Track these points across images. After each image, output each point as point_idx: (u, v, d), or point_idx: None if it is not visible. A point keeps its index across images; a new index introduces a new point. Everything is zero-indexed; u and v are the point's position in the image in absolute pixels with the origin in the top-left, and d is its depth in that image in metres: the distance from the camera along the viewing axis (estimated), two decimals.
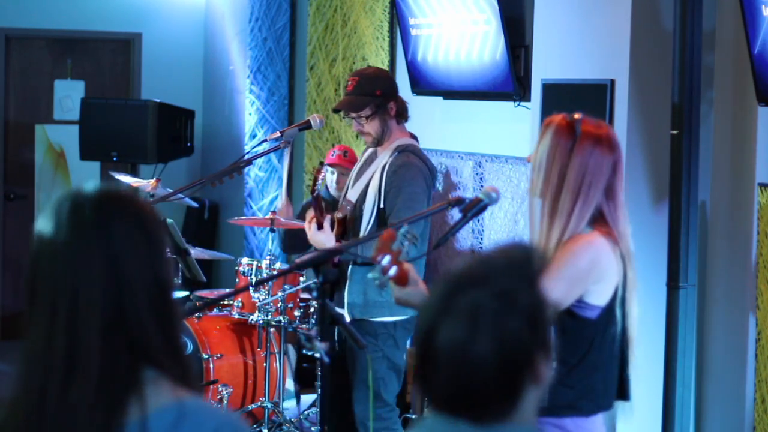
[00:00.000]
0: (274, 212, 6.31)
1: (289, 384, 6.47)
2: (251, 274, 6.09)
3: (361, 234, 4.92)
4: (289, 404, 6.43)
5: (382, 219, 4.93)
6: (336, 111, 5.17)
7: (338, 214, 5.09)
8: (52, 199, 1.77)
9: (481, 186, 6.15)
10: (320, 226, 4.87)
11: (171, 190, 5.65)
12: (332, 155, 6.35)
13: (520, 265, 1.78)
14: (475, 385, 1.73)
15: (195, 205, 6.74)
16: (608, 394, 3.29)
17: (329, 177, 6.32)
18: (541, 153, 3.25)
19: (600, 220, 3.22)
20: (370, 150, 5.17)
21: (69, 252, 1.72)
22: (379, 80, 5.08)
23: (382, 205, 4.94)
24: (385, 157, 5.02)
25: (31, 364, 1.71)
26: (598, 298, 3.19)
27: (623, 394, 3.34)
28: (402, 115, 5.10)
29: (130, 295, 1.71)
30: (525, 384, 1.75)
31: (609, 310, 3.21)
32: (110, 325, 1.70)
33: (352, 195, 5.07)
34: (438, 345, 1.74)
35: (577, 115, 3.26)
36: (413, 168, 4.98)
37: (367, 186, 5.02)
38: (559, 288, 3.13)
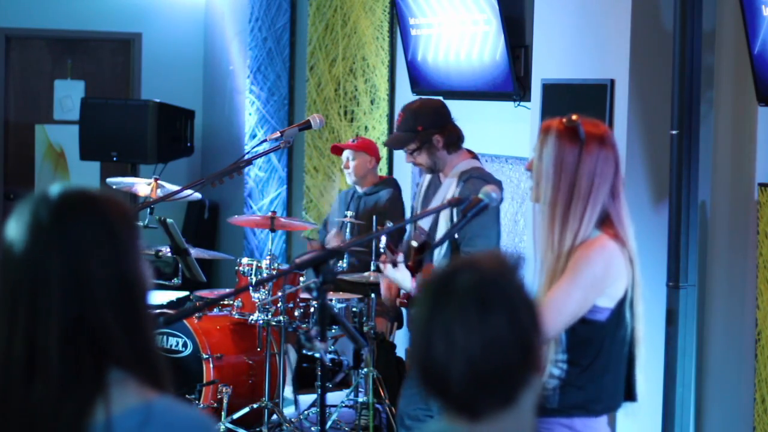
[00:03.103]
0: (274, 212, 6.33)
1: (289, 384, 6.46)
2: (251, 274, 6.09)
3: (439, 258, 4.94)
4: (289, 404, 6.43)
5: (454, 247, 4.94)
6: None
7: (413, 243, 5.12)
8: (19, 203, 1.76)
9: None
10: (394, 265, 4.87)
11: (172, 189, 5.65)
12: (351, 141, 6.52)
13: (492, 261, 1.80)
14: (500, 355, 1.73)
15: (200, 196, 6.73)
16: (617, 395, 3.31)
17: (351, 163, 6.46)
18: (546, 161, 3.21)
19: (606, 221, 3.22)
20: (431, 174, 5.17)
21: (27, 255, 1.71)
22: (420, 115, 5.02)
23: (455, 236, 4.92)
24: (450, 187, 4.95)
25: None
26: (608, 300, 3.20)
27: (630, 394, 3.35)
28: (452, 145, 5.00)
29: (91, 296, 1.69)
30: (537, 344, 1.76)
31: (618, 312, 3.22)
32: (71, 328, 1.68)
33: (424, 223, 5.06)
34: (450, 335, 1.74)
35: (575, 117, 3.25)
36: None
37: (438, 215, 5.00)
38: (576, 296, 3.14)
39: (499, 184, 4.96)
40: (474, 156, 5.10)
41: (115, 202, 1.77)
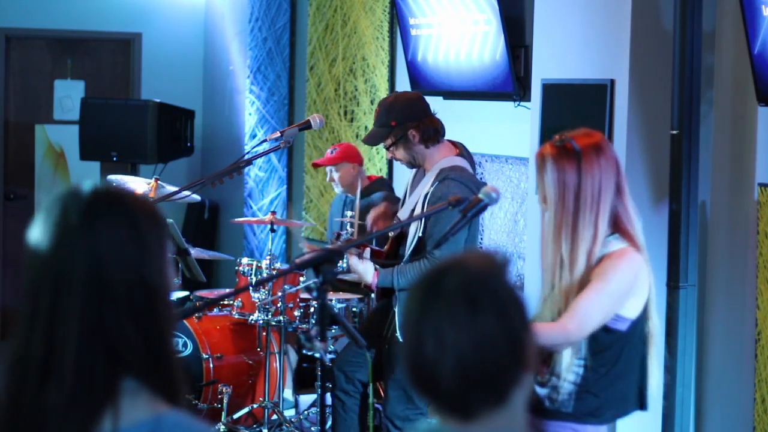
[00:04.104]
0: (274, 212, 6.32)
1: (289, 384, 6.46)
2: (251, 274, 6.09)
3: (406, 255, 4.92)
4: (289, 404, 6.43)
5: (420, 246, 4.92)
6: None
7: (391, 233, 5.12)
8: (48, 199, 1.73)
9: (482, 179, 6.14)
10: (360, 257, 4.89)
11: (172, 189, 5.65)
12: (330, 153, 6.44)
13: (482, 260, 1.80)
14: (490, 354, 1.73)
15: (198, 198, 6.72)
16: (626, 402, 3.33)
17: (334, 176, 6.38)
18: (549, 186, 3.25)
19: (617, 221, 3.26)
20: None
21: (52, 254, 1.68)
22: (394, 109, 4.94)
23: (421, 234, 4.89)
24: (427, 184, 4.89)
25: (12, 365, 1.69)
26: (631, 311, 3.25)
27: (642, 403, 3.37)
28: (430, 139, 4.90)
29: (111, 300, 1.66)
30: (529, 347, 1.76)
31: (639, 321, 3.26)
32: (88, 331, 1.65)
33: (402, 215, 5.05)
34: (440, 335, 1.74)
35: (563, 136, 3.27)
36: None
37: (413, 210, 4.98)
38: (605, 303, 3.18)
39: (477, 188, 4.94)
40: (459, 151, 5.01)
41: (144, 204, 1.73)
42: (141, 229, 1.70)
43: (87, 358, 1.65)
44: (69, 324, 1.65)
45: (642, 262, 3.26)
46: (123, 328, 1.66)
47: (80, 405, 1.64)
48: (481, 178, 6.21)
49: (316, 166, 6.57)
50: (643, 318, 3.28)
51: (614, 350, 3.25)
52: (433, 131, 4.93)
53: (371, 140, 5.07)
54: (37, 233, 1.71)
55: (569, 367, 3.22)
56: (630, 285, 3.23)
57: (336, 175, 6.36)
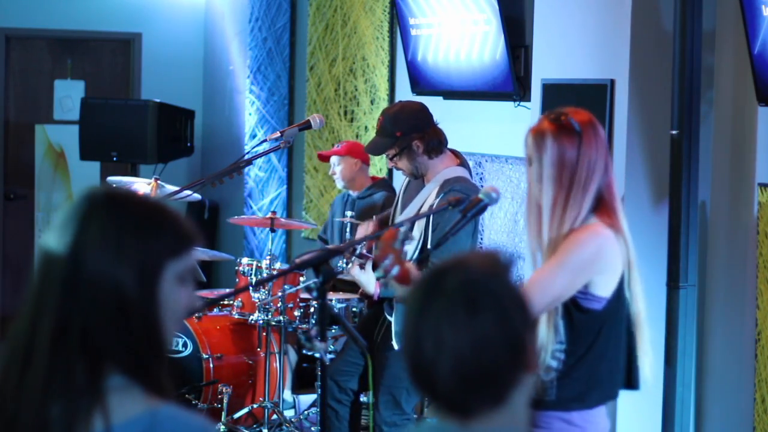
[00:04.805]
0: (274, 212, 6.32)
1: (289, 384, 6.46)
2: (251, 274, 6.09)
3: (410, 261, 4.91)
4: (289, 404, 6.43)
5: (424, 247, 4.89)
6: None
7: None
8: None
9: (481, 186, 6.15)
10: (362, 267, 4.89)
11: (172, 189, 5.65)
12: (335, 147, 6.48)
13: (483, 260, 1.80)
14: (489, 355, 1.73)
15: (199, 197, 6.72)
16: (613, 384, 3.30)
17: (336, 169, 6.39)
18: (547, 163, 3.22)
19: (601, 201, 3.24)
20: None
21: (44, 252, 1.72)
22: (399, 119, 4.92)
23: (428, 246, 4.87)
24: (431, 195, 4.87)
25: (3, 353, 1.72)
26: (604, 289, 3.21)
27: (633, 382, 3.34)
28: (434, 150, 4.89)
29: (86, 297, 1.68)
30: (529, 344, 1.76)
31: (615, 300, 3.22)
32: (61, 328, 1.67)
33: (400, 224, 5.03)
34: (438, 334, 1.74)
35: (557, 112, 3.26)
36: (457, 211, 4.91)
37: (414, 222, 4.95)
38: (562, 277, 3.15)
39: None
40: (460, 160, 5.01)
41: (139, 206, 1.74)
42: (122, 230, 1.71)
43: (61, 354, 1.66)
44: (44, 321, 1.68)
45: (610, 237, 3.20)
46: (96, 325, 1.68)
47: (58, 401, 1.65)
48: (481, 179, 6.22)
49: (320, 157, 6.59)
50: (619, 296, 3.24)
51: (592, 330, 3.22)
52: (437, 142, 4.93)
53: (374, 149, 5.05)
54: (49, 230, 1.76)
55: (545, 347, 3.19)
56: (591, 259, 3.17)
57: (338, 168, 6.38)
